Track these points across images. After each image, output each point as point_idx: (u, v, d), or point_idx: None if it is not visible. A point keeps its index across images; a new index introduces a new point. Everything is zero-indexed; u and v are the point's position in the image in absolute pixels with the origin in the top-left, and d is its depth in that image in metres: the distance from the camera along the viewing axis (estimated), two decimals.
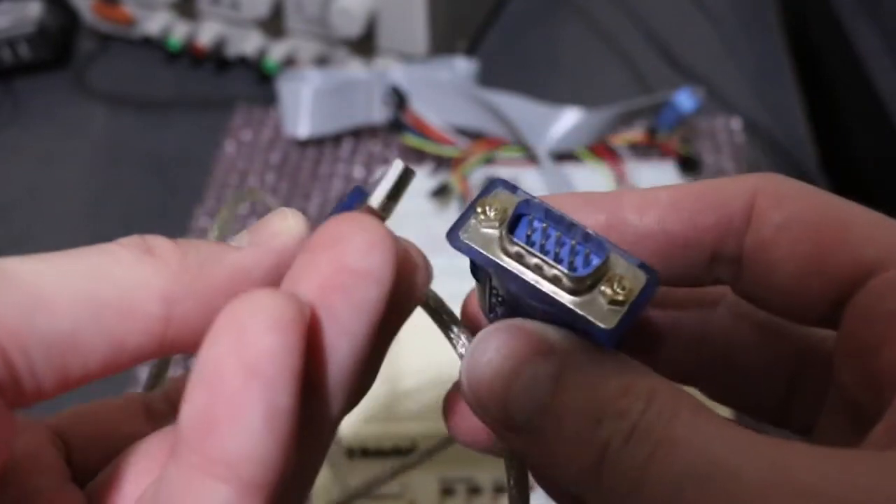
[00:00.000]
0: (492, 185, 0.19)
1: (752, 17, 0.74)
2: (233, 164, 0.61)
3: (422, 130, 0.58)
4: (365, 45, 0.63)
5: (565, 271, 0.17)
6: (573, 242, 0.18)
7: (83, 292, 0.16)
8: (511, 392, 0.17)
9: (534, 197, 0.19)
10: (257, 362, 0.14)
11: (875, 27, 0.62)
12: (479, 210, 0.18)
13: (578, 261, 0.18)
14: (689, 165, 0.58)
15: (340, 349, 0.16)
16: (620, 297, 0.17)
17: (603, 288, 0.17)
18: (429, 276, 0.19)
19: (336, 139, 0.62)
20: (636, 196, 0.19)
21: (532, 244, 0.18)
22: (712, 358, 0.22)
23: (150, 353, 0.17)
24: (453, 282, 0.56)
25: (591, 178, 0.56)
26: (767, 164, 0.60)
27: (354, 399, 0.18)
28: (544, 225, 0.18)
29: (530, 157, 0.57)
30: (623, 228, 0.19)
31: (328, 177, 0.60)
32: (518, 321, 0.18)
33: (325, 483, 0.42)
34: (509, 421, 0.17)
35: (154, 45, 0.68)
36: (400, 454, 0.41)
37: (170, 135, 0.64)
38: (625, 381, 0.17)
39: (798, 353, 0.21)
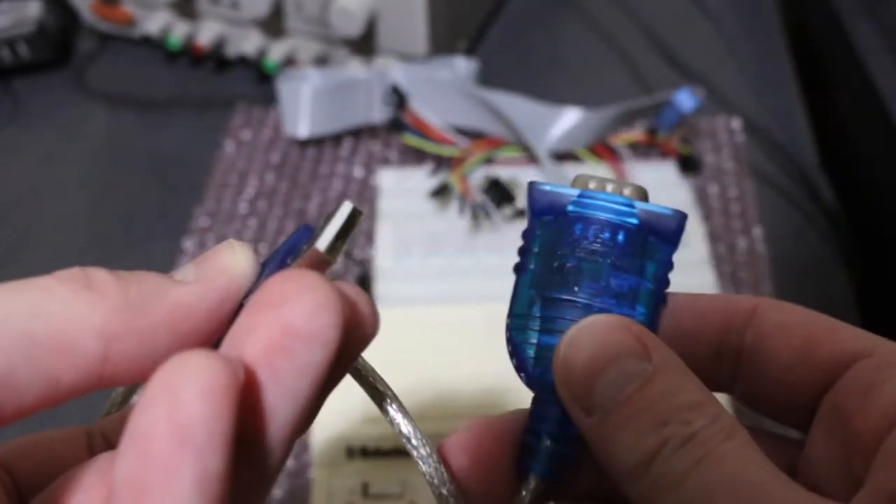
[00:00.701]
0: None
1: (752, 17, 0.74)
2: (232, 164, 0.61)
3: (422, 130, 0.58)
4: (365, 45, 0.63)
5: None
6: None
7: (17, 330, 0.16)
8: (600, 377, 0.19)
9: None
10: (188, 428, 0.14)
11: (875, 27, 0.62)
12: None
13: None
14: (689, 165, 0.58)
15: (282, 408, 0.16)
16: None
17: None
18: (376, 324, 0.19)
19: (336, 139, 0.62)
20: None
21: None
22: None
23: (88, 389, 0.17)
24: (453, 282, 0.57)
25: None
26: (767, 164, 0.60)
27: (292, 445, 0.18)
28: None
29: (530, 157, 0.57)
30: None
31: (328, 177, 0.60)
32: (626, 319, 0.20)
33: (324, 482, 0.42)
34: (589, 402, 0.19)
35: (154, 45, 0.68)
36: (400, 454, 0.41)
37: (169, 135, 0.64)
38: (698, 398, 0.19)
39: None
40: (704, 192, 0.58)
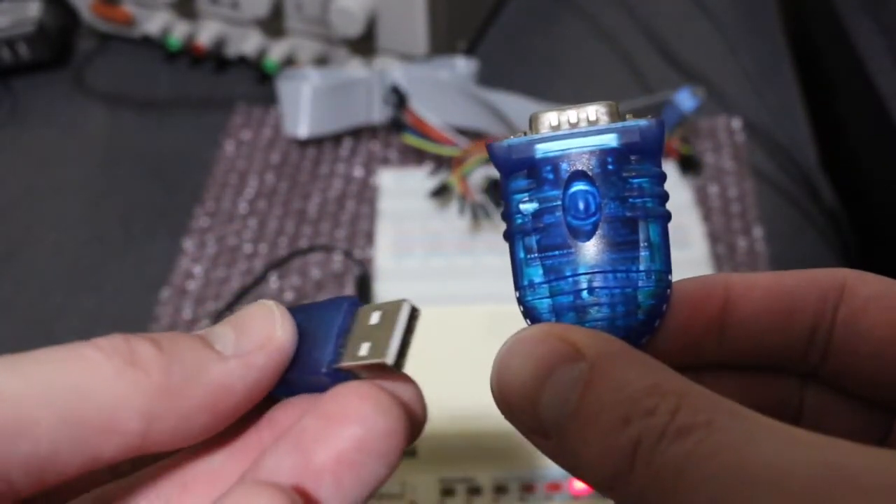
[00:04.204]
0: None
1: (752, 17, 0.74)
2: (232, 164, 0.61)
3: (422, 130, 0.58)
4: (365, 44, 0.63)
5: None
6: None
7: (65, 414, 0.16)
8: (541, 397, 0.18)
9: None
10: None
11: (876, 27, 0.62)
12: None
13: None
14: (689, 165, 0.58)
15: None
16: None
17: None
18: (425, 422, 0.19)
19: (336, 139, 0.62)
20: (741, 277, 0.21)
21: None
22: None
23: (124, 460, 0.17)
24: (453, 282, 0.57)
25: None
26: (767, 164, 0.60)
27: None
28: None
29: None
30: (736, 304, 0.21)
31: (328, 177, 0.60)
32: (546, 326, 0.19)
33: None
34: (540, 426, 0.18)
35: (154, 45, 0.68)
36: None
37: (169, 134, 0.64)
38: (652, 381, 0.17)
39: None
40: (704, 192, 0.58)
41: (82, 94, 0.67)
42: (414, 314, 0.18)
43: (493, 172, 0.55)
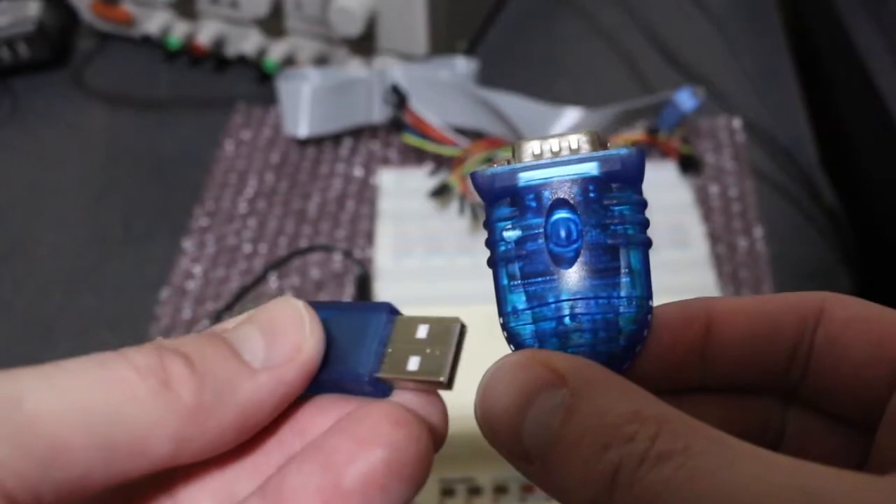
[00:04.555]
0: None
1: (752, 17, 0.74)
2: (232, 164, 0.61)
3: (422, 130, 0.58)
4: (365, 44, 0.63)
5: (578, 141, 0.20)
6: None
7: (100, 440, 0.16)
8: (523, 423, 0.18)
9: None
10: None
11: (876, 27, 0.62)
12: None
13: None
14: (689, 165, 0.58)
15: None
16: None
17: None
18: (445, 438, 0.20)
19: (336, 139, 0.62)
20: (722, 302, 0.21)
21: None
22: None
23: (152, 476, 0.18)
24: (453, 282, 0.57)
25: None
26: (767, 164, 0.60)
27: None
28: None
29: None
30: (718, 328, 0.21)
31: (328, 176, 0.60)
32: (529, 352, 0.19)
33: None
34: (523, 451, 0.18)
35: (153, 45, 0.68)
36: None
37: (169, 134, 0.64)
38: (631, 407, 0.17)
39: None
40: (705, 192, 0.58)
41: (82, 93, 0.67)
42: (463, 332, 0.19)
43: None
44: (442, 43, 0.63)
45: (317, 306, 0.19)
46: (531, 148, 0.20)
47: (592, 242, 0.19)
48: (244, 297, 0.50)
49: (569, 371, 0.18)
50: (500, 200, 0.20)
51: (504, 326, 0.20)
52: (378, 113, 0.61)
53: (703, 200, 0.57)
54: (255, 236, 0.56)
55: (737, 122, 0.62)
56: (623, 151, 0.19)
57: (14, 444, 0.15)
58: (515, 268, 0.20)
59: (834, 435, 0.22)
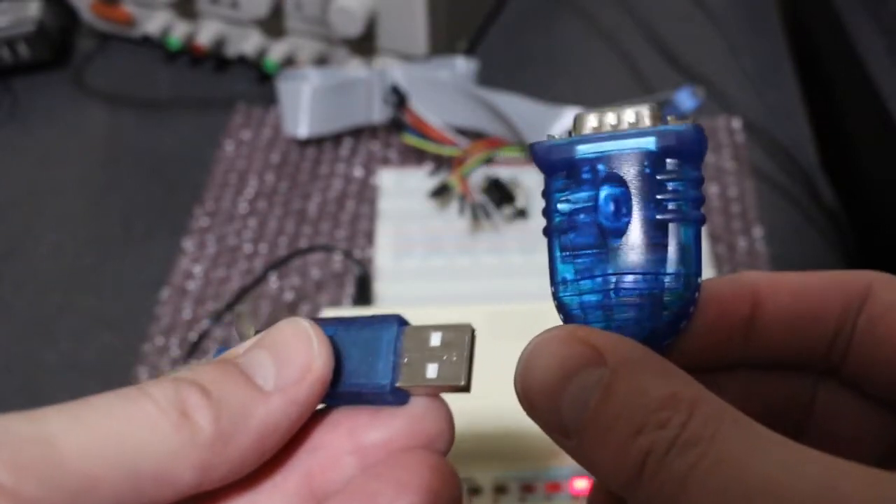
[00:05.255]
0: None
1: (752, 17, 0.74)
2: (232, 164, 0.61)
3: (422, 130, 0.58)
4: (365, 44, 0.63)
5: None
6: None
7: (128, 473, 0.17)
8: (562, 398, 0.18)
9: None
10: None
11: (876, 27, 0.62)
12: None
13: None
14: None
15: None
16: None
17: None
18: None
19: (336, 139, 0.62)
20: (768, 277, 0.21)
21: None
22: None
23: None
24: (453, 282, 0.57)
25: None
26: (767, 164, 0.60)
27: None
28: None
29: (530, 157, 0.57)
30: (763, 306, 0.21)
31: (328, 176, 0.60)
32: (571, 327, 0.19)
33: None
34: (560, 425, 0.18)
35: (153, 45, 0.68)
36: None
37: (169, 134, 0.64)
38: (668, 390, 0.17)
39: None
40: (705, 192, 0.58)
41: (82, 94, 0.67)
42: (474, 337, 0.20)
43: (494, 172, 0.56)
44: (442, 43, 0.63)
45: (325, 323, 0.20)
46: (590, 120, 0.20)
47: (642, 217, 0.19)
48: (244, 296, 0.50)
49: (609, 350, 0.18)
50: (556, 172, 0.20)
51: (554, 296, 0.20)
52: (378, 113, 0.61)
53: None
54: (256, 236, 0.56)
55: (737, 122, 0.62)
56: (682, 127, 0.19)
57: (49, 484, 0.16)
58: (567, 239, 0.20)
59: (867, 416, 0.21)
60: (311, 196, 0.59)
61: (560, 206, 0.20)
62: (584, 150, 0.20)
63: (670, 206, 0.19)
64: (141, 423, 0.17)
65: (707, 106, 0.59)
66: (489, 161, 0.57)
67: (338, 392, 0.20)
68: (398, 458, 0.19)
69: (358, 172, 0.60)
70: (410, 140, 0.58)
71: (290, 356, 0.19)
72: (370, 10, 0.60)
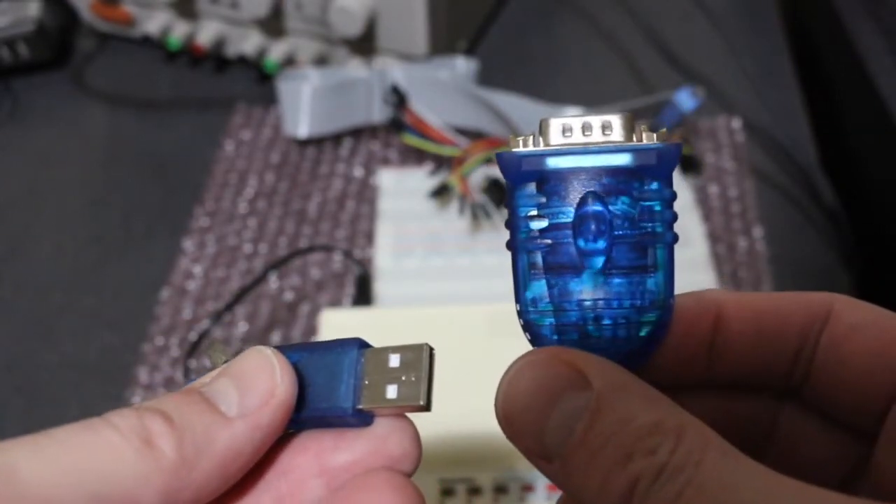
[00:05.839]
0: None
1: (752, 17, 0.74)
2: (232, 164, 0.61)
3: (422, 130, 0.58)
4: (365, 44, 0.63)
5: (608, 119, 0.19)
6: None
7: (92, 499, 0.17)
8: (546, 423, 0.18)
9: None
10: None
11: (876, 27, 0.62)
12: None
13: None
14: (689, 165, 0.58)
15: None
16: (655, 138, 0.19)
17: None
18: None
19: (336, 139, 0.62)
20: (732, 296, 0.21)
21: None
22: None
23: None
24: (453, 282, 0.57)
25: None
26: (767, 164, 0.60)
27: None
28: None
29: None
30: (726, 323, 0.21)
31: (328, 176, 0.60)
32: (554, 349, 0.19)
33: None
34: (542, 449, 0.18)
35: (153, 45, 0.68)
36: None
37: (169, 134, 0.64)
38: (655, 417, 0.17)
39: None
40: (705, 192, 0.58)
41: (82, 93, 0.67)
42: (432, 355, 0.20)
43: (493, 172, 0.56)
44: (442, 43, 0.63)
45: (287, 350, 0.20)
46: (559, 126, 0.19)
47: (620, 238, 0.19)
48: (244, 296, 0.50)
49: (594, 374, 0.18)
50: (525, 182, 0.19)
51: (521, 315, 0.20)
52: (378, 113, 0.61)
53: (702, 200, 0.57)
54: (256, 236, 0.56)
55: (736, 122, 0.62)
56: (660, 145, 0.19)
57: None
58: (538, 257, 0.19)
59: (829, 437, 0.22)
60: (311, 196, 0.59)
61: (531, 223, 0.19)
62: (557, 163, 0.19)
63: (647, 227, 0.19)
64: (104, 452, 0.17)
65: (707, 106, 0.59)
66: (489, 161, 0.57)
67: (303, 417, 0.20)
68: (362, 479, 0.19)
69: (358, 172, 0.60)
70: (410, 140, 0.58)
71: (254, 383, 0.19)
72: (370, 10, 0.60)
